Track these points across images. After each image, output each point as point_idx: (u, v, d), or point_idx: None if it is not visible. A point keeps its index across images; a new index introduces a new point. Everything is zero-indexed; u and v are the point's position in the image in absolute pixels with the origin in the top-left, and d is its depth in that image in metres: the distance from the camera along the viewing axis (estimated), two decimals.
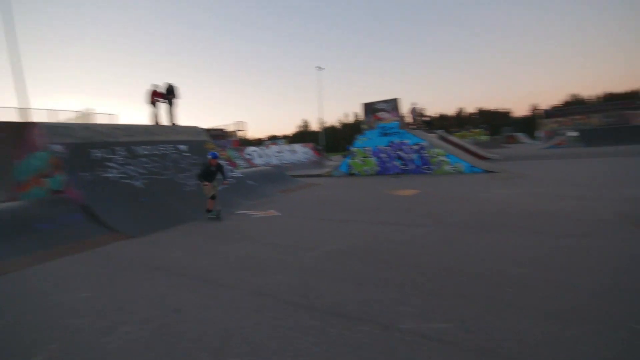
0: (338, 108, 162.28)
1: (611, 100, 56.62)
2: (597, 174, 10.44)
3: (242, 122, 32.95)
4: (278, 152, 28.04)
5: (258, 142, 50.37)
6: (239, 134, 35.75)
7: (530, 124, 66.62)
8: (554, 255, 3.89)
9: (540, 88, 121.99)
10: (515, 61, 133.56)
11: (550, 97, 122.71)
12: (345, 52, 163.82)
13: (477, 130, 57.92)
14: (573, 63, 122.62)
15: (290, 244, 5.19)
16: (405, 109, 17.53)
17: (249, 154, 26.00)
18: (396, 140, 15.01)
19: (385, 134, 15.26)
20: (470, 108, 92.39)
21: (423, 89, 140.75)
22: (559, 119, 46.91)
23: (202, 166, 7.61)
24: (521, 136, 53.79)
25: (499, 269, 3.61)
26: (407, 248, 4.57)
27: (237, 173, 11.97)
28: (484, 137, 50.00)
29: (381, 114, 15.70)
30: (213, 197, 7.41)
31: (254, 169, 15.37)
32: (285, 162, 25.73)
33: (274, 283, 3.64)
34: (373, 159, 15.69)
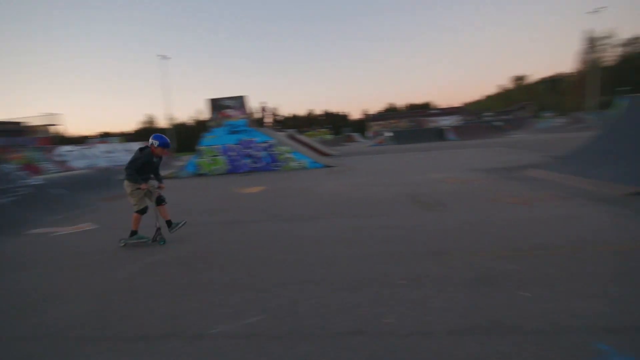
0: (191, 104, 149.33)
1: (413, 109, 74.64)
2: (400, 165, 13.40)
3: (55, 114, 25.63)
4: (108, 151, 23.33)
5: (81, 140, 40.38)
6: (52, 129, 27.66)
7: (362, 125, 79.88)
8: (359, 233, 4.63)
9: (369, 96, 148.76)
10: (352, 71, 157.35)
11: (376, 104, 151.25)
12: (199, 45, 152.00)
13: (323, 130, 65.22)
14: (388, 78, 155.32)
15: (96, 263, 4.26)
16: (254, 107, 17.69)
17: (62, 155, 20.49)
18: (245, 138, 14.93)
19: (234, 132, 14.94)
20: (318, 110, 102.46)
21: (279, 90, 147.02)
22: (381, 122, 58.43)
23: (139, 156, 4.60)
24: (356, 136, 63.85)
25: (316, 251, 4.00)
26: (237, 246, 4.51)
27: (35, 180, 9.14)
28: (328, 136, 56.64)
29: (228, 111, 15.27)
30: (144, 211, 4.77)
31: (65, 173, 12.15)
32: (118, 163, 21.60)
33: (57, 319, 2.85)
34: (222, 158, 15.11)
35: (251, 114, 15.97)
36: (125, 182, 4.70)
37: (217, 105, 15.55)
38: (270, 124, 19.39)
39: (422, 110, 66.38)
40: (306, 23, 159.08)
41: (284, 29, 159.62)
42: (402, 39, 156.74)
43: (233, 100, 15.40)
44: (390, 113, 70.92)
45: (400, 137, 32.47)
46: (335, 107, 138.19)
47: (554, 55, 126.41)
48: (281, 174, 13.63)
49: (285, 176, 12.62)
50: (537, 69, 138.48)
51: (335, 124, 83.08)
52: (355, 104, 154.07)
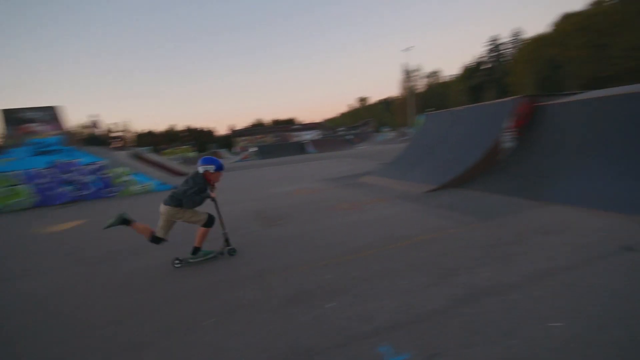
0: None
1: (278, 125, 77.70)
2: (258, 179, 13.23)
3: None
4: None
5: None
6: None
7: (229, 141, 77.83)
8: (182, 268, 3.98)
9: (237, 111, 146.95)
10: (216, 86, 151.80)
11: (243, 119, 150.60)
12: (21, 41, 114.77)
13: (186, 147, 60.06)
14: (256, 95, 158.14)
15: None
16: (89, 122, 14.27)
17: None
18: (61, 159, 11.76)
19: (42, 152, 11.55)
20: (181, 126, 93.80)
21: (133, 104, 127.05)
22: (248, 137, 58.21)
23: (198, 185, 3.85)
24: (223, 152, 61.53)
25: (115, 299, 3.15)
26: None
27: None
28: (191, 154, 52.44)
29: (32, 126, 11.75)
30: (211, 221, 4.01)
31: None
32: None
33: None
34: (26, 187, 11.42)
35: (68, 129, 12.79)
36: (170, 210, 3.86)
37: (13, 118, 11.74)
38: (118, 143, 16.14)
39: (286, 125, 69.83)
40: (169, 39, 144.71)
41: (145, 42, 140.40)
42: (268, 58, 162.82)
43: (40, 112, 11.96)
44: (257, 128, 71.69)
45: (265, 152, 32.88)
46: (201, 123, 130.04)
47: (387, 81, 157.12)
48: (117, 201, 11.31)
49: (121, 203, 10.50)
50: (376, 92, 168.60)
51: (199, 140, 78.01)
52: (223, 119, 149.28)
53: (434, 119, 10.13)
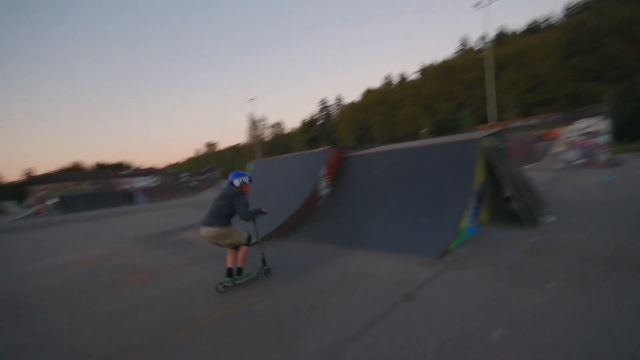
0: None
1: (103, 169, 64.31)
2: (31, 247, 9.40)
3: None
4: None
5: None
6: None
7: (24, 190, 57.86)
8: None
9: (40, 153, 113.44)
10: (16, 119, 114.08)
11: (51, 163, 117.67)
12: None
13: None
14: (72, 134, 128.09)
15: None
16: None
17: None
18: None
19: None
20: None
21: None
22: (53, 185, 44.76)
23: (243, 197, 3.88)
24: (11, 205, 44.65)
25: None
26: None
27: None
28: None
29: None
30: (250, 239, 4.08)
31: None
32: None
33: None
34: None
35: None
36: (220, 231, 3.79)
37: None
38: None
39: (113, 170, 58.35)
40: None
41: None
42: (106, 96, 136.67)
43: None
44: (68, 173, 56.58)
45: (71, 204, 25.54)
46: None
47: (237, 128, 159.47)
48: None
49: None
50: (226, 138, 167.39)
51: None
52: (12, 161, 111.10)
53: (261, 167, 9.98)
